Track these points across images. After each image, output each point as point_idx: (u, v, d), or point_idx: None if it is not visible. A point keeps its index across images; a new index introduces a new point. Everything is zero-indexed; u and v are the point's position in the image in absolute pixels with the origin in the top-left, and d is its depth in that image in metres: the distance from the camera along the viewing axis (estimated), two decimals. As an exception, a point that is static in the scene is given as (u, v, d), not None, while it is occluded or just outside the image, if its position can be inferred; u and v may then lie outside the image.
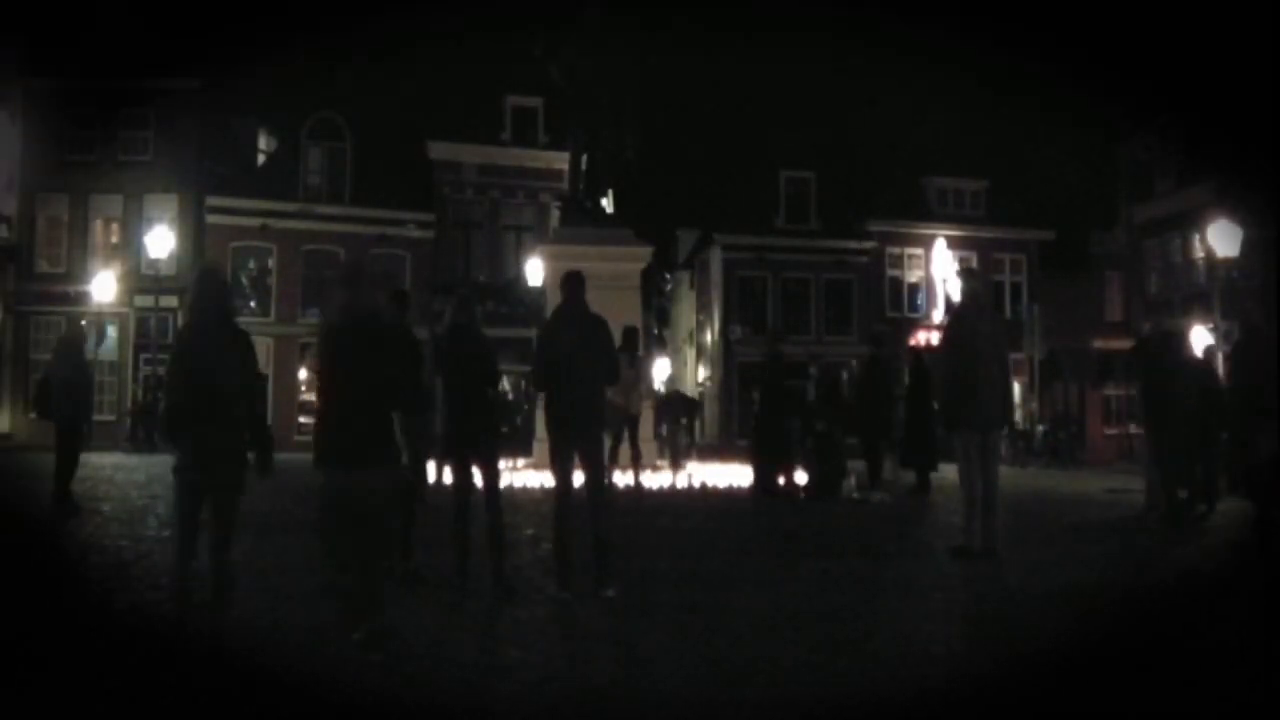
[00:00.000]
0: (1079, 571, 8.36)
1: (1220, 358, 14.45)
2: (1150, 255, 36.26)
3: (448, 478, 7.47)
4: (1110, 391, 35.24)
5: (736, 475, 16.26)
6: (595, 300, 13.01)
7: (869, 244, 37.27)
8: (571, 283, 7.17)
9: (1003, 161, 38.25)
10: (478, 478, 7.05)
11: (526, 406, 26.08)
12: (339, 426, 5.29)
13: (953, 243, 35.81)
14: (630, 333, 13.96)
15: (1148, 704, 4.76)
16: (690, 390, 38.22)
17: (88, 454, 14.79)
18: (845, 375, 36.14)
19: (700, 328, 42.00)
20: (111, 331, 31.63)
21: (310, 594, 6.85)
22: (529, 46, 20.10)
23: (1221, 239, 21.81)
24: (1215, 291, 24.36)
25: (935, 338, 33.78)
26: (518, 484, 14.78)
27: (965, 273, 13.42)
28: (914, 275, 37.68)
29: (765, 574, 8.02)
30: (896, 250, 37.68)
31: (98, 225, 32.46)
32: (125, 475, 16.96)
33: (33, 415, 15.73)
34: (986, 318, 9.11)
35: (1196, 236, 30.97)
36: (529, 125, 34.93)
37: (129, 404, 30.55)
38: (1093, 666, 5.35)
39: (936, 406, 12.08)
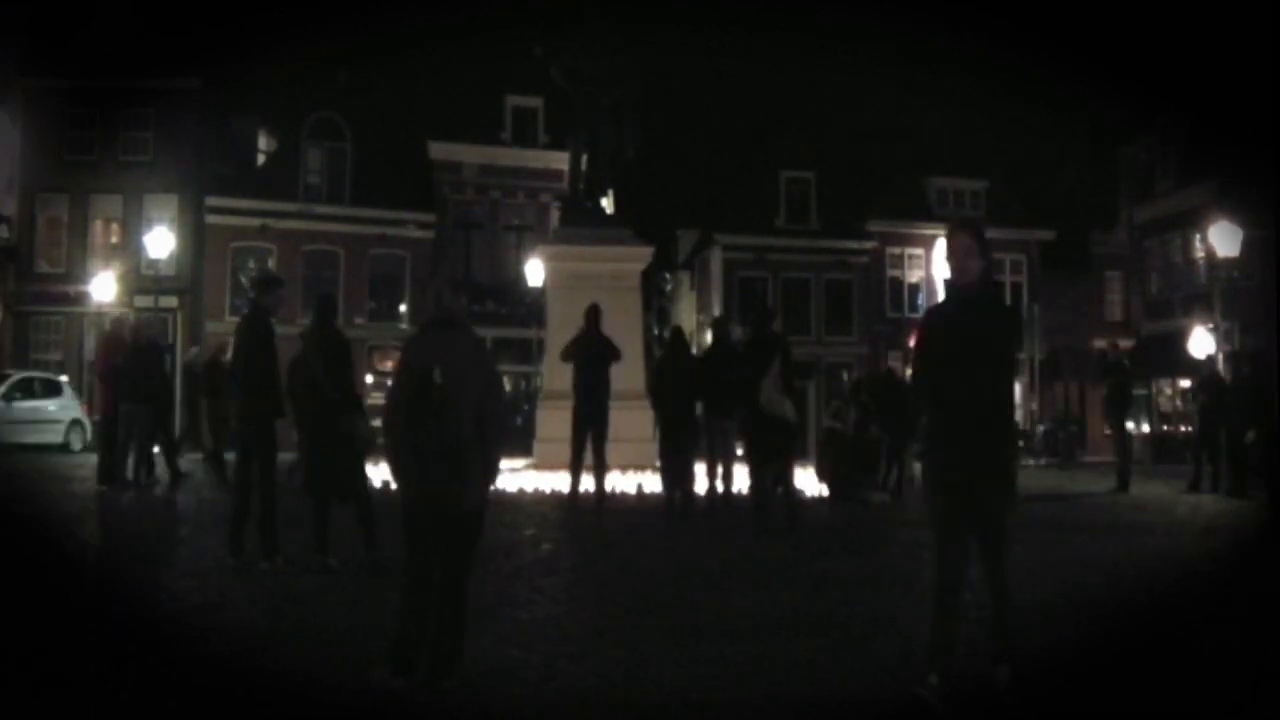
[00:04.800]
0: (1080, 572, 8.37)
1: (1221, 360, 15.23)
2: (1150, 255, 36.24)
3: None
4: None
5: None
6: (595, 300, 12.87)
7: (869, 244, 37.25)
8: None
9: (1003, 161, 38.24)
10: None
11: (526, 407, 26.07)
12: None
13: (953, 243, 35.77)
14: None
15: (1148, 704, 4.76)
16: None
17: (88, 453, 14.82)
18: (846, 375, 36.18)
19: (700, 328, 41.99)
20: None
21: (310, 593, 6.86)
22: (529, 46, 20.08)
23: (1221, 239, 21.79)
24: (1215, 291, 24.35)
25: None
26: (514, 486, 14.76)
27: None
28: (914, 275, 37.65)
29: (765, 574, 8.01)
30: (896, 250, 37.66)
31: (98, 225, 32.42)
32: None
33: None
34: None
35: (1196, 236, 30.97)
36: (529, 125, 34.89)
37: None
38: (1093, 666, 5.35)
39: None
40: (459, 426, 4.63)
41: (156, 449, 14.33)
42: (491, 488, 4.95)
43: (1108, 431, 20.46)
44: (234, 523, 7.75)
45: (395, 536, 8.76)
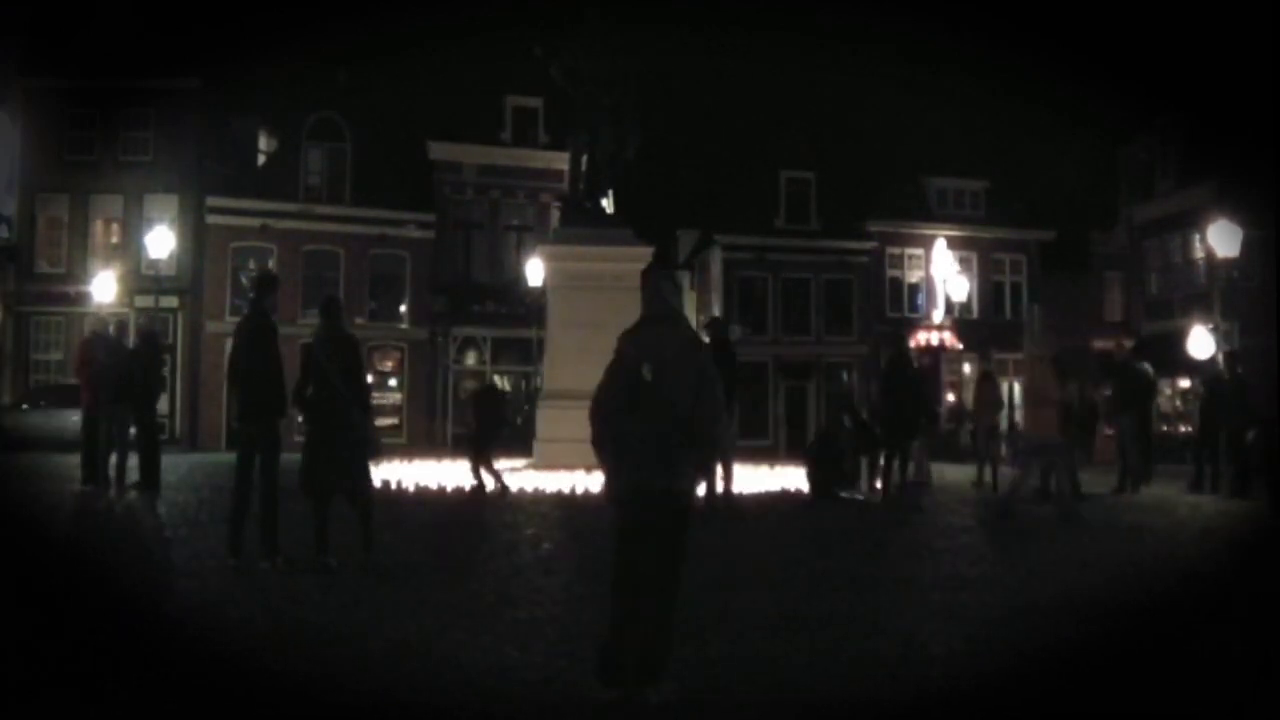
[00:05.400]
0: (1079, 572, 8.36)
1: (1222, 359, 15.37)
2: (1150, 255, 36.23)
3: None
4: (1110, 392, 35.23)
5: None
6: (595, 300, 12.96)
7: (869, 244, 37.24)
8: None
9: (1003, 161, 38.19)
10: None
11: (527, 406, 26.05)
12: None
13: (953, 243, 35.75)
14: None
15: (1148, 704, 4.76)
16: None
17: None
18: (845, 376, 36.21)
19: (699, 328, 41.96)
20: (112, 332, 31.51)
21: (310, 592, 6.86)
22: (529, 46, 20.08)
23: (1221, 239, 21.77)
24: (1215, 291, 24.34)
25: (935, 338, 33.79)
26: (515, 486, 14.75)
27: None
28: (914, 275, 37.63)
29: (765, 574, 8.01)
30: (896, 250, 37.65)
31: (98, 225, 32.40)
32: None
33: None
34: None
35: (1196, 236, 30.95)
36: (529, 125, 34.88)
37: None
38: (1093, 666, 5.35)
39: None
40: (667, 424, 4.61)
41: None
42: (700, 485, 4.91)
43: (1109, 431, 20.38)
44: (234, 522, 7.76)
45: (395, 538, 8.79)
